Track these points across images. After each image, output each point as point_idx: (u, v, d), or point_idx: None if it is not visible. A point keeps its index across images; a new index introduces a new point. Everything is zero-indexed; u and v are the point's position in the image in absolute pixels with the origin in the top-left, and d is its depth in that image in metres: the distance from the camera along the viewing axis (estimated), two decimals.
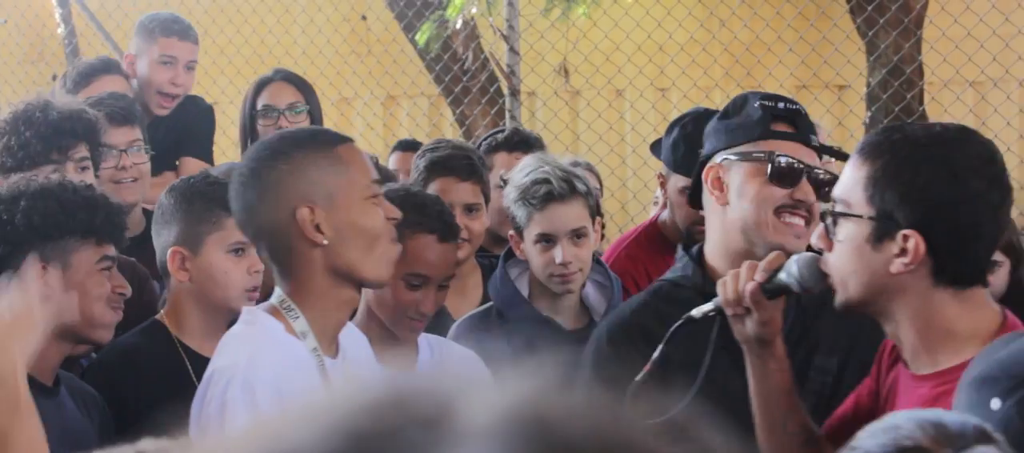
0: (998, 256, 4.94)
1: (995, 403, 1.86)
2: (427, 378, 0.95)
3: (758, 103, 3.36)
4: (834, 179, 3.24)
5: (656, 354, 3.16)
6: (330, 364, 3.11)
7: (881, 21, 8.21)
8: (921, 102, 8.44)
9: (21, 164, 4.19)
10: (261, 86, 5.52)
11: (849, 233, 2.72)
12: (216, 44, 10.02)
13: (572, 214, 3.94)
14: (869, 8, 8.24)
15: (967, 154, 2.65)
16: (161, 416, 3.39)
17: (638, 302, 3.56)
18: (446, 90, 9.36)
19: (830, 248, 2.79)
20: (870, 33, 8.39)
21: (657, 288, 3.55)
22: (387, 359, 3.78)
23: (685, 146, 4.61)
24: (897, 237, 2.64)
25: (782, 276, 2.99)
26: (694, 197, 3.55)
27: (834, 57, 8.78)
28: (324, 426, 0.90)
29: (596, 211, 4.07)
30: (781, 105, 3.37)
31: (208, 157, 5.86)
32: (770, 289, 2.99)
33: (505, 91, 7.97)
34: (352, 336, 3.27)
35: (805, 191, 3.32)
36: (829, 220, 2.81)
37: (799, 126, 3.36)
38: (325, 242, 3.04)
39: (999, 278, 4.98)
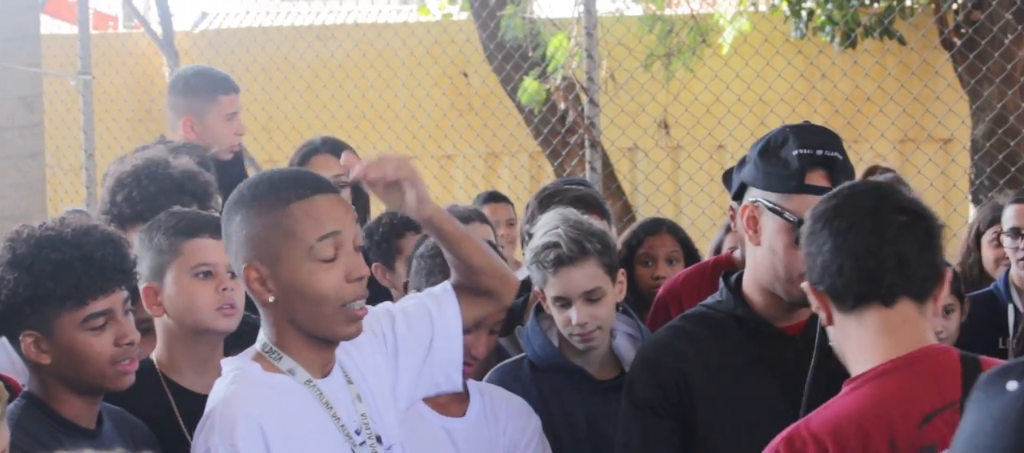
0: (950, 301, 4.95)
1: (1012, 385, 1.85)
2: None
3: (796, 152, 3.39)
4: None
5: None
6: (325, 385, 3.06)
7: (983, 69, 8.10)
8: None
9: (140, 216, 4.23)
10: (307, 156, 5.50)
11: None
12: (319, 99, 10.14)
13: (584, 276, 3.91)
14: (971, 56, 8.14)
15: None
16: None
17: (672, 324, 3.69)
18: (545, 143, 9.38)
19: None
20: (972, 81, 8.28)
21: (692, 313, 3.67)
22: (441, 406, 3.78)
23: None
24: None
25: None
26: None
27: (937, 106, 8.67)
28: None
29: (614, 266, 4.03)
30: (819, 153, 3.39)
31: None
32: None
33: (586, 143, 7.97)
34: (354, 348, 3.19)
35: None
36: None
37: (834, 175, 3.39)
38: (272, 300, 3.00)
39: (952, 324, 5.01)
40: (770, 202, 3.41)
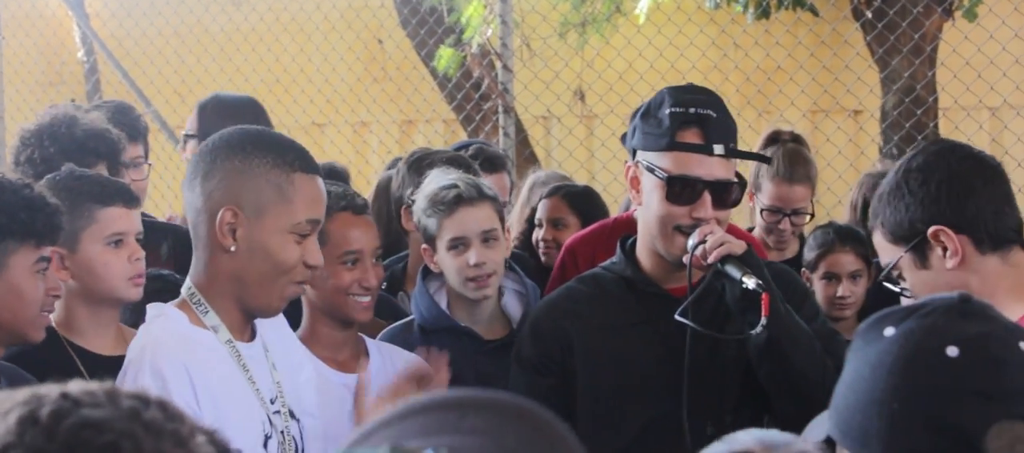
0: (858, 266, 5.10)
1: (889, 331, 1.94)
2: None
3: (668, 110, 3.47)
4: (737, 184, 3.51)
5: None
6: (245, 349, 3.10)
7: (892, 39, 8.19)
8: (935, 118, 8.42)
9: (40, 177, 4.16)
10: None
11: None
12: (232, 64, 10.08)
13: (482, 216, 3.98)
14: (880, 26, 8.23)
15: None
16: None
17: (566, 285, 3.81)
18: (459, 109, 9.39)
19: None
20: (881, 51, 8.38)
21: (586, 275, 3.79)
22: (340, 364, 3.82)
23: None
24: None
25: None
26: None
27: (846, 76, 8.77)
28: None
29: (503, 219, 4.10)
30: (692, 111, 3.46)
31: None
32: None
33: (499, 109, 8.01)
34: (271, 321, 3.24)
35: (704, 208, 3.48)
36: None
37: (708, 132, 3.46)
38: (232, 249, 3.02)
39: (860, 288, 5.13)
40: (646, 161, 3.49)
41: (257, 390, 3.07)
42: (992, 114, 9.37)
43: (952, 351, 1.91)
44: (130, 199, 3.82)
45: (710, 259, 3.40)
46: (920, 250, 2.97)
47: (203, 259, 3.08)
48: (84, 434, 1.26)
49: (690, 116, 3.44)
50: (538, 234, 5.68)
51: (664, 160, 3.46)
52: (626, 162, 3.60)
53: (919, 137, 8.03)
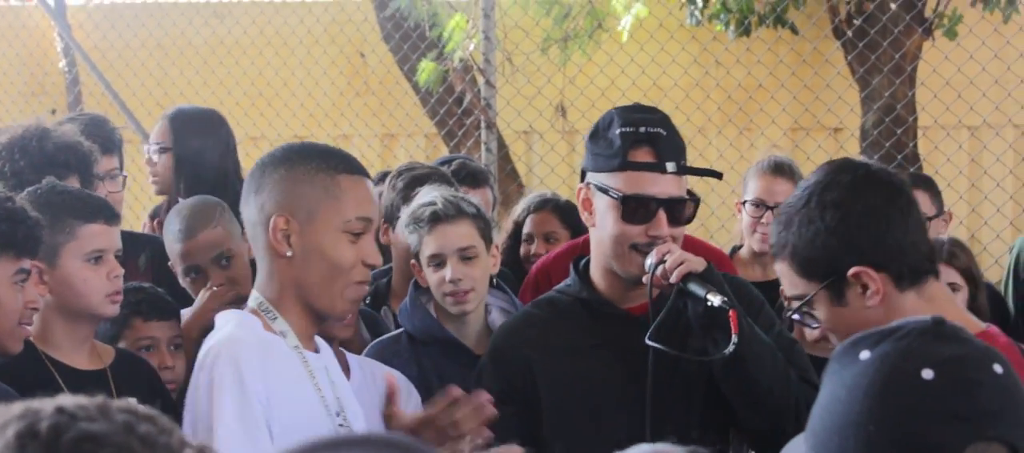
0: (957, 280, 5.00)
1: (864, 354, 1.96)
2: None
3: (618, 130, 3.47)
4: (691, 201, 3.52)
5: None
6: (313, 358, 3.17)
7: (873, 58, 8.23)
8: (914, 137, 8.46)
9: (12, 190, 4.16)
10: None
11: None
12: (215, 76, 10.08)
13: (460, 233, 4.03)
14: (861, 45, 8.27)
15: None
16: None
17: (523, 310, 3.85)
18: (441, 124, 9.41)
19: None
20: (862, 70, 8.42)
21: (542, 298, 3.81)
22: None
23: None
24: None
25: None
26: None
27: (827, 95, 8.80)
28: None
29: (489, 235, 4.12)
30: (642, 130, 3.46)
31: None
32: None
33: (481, 124, 8.03)
34: (326, 356, 3.32)
35: (659, 226, 3.49)
36: None
37: (659, 150, 3.46)
38: (289, 254, 3.11)
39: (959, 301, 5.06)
40: (599, 182, 3.49)
41: (322, 398, 3.14)
42: (971, 134, 9.43)
43: (927, 374, 1.92)
44: (111, 216, 3.82)
45: (672, 279, 3.40)
46: (837, 287, 2.88)
47: (265, 270, 3.18)
48: (84, 447, 1.28)
49: (641, 135, 3.44)
50: (529, 248, 5.66)
51: (617, 180, 3.47)
52: (578, 186, 3.62)
53: (899, 156, 8.07)
